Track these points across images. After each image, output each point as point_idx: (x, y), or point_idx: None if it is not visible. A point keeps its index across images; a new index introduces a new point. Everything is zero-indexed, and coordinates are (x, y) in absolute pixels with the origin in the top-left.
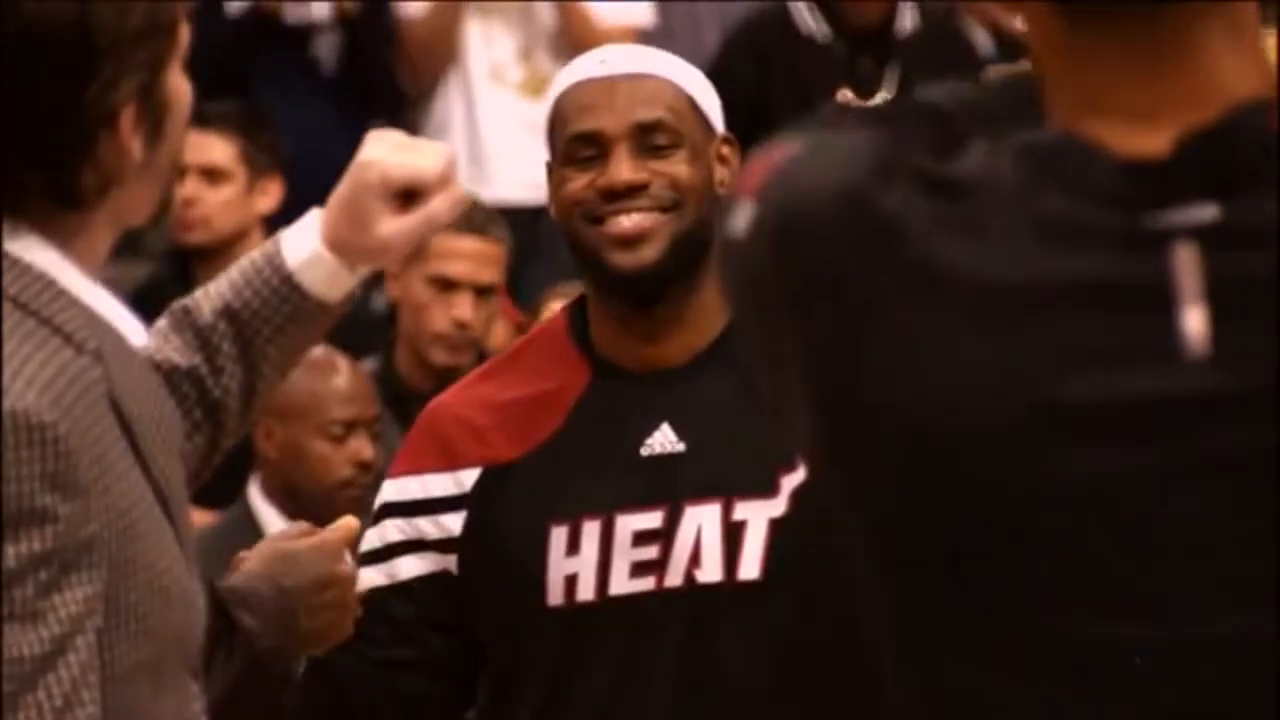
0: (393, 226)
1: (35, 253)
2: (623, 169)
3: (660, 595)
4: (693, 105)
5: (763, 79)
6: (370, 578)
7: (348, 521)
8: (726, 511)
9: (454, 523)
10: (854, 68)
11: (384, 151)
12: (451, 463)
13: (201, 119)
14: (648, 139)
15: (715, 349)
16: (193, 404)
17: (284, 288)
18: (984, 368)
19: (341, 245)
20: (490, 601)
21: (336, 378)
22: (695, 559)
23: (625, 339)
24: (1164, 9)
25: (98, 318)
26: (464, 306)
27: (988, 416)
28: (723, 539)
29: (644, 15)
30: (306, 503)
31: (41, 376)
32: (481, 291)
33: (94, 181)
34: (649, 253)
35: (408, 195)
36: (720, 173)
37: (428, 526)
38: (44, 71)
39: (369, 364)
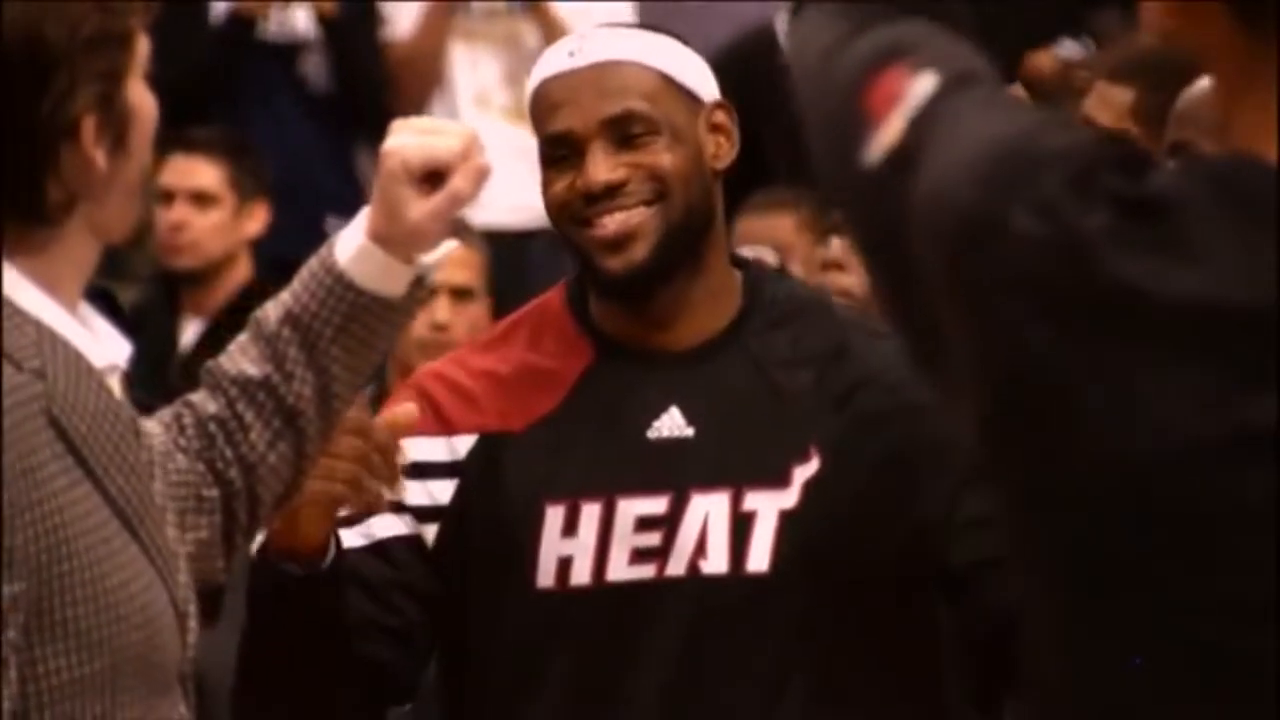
0: (421, 209)
1: None
2: (599, 170)
3: (660, 584)
4: (669, 84)
5: (751, 104)
6: (347, 539)
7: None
8: (735, 501)
9: (444, 491)
10: None
11: (405, 138)
12: (445, 428)
13: (188, 144)
14: (621, 131)
15: (729, 334)
16: (270, 413)
17: (338, 286)
18: (1185, 389)
19: (383, 236)
20: (473, 576)
21: None
22: (701, 548)
23: (630, 325)
24: None
25: (52, 335)
26: (440, 309)
27: (1188, 437)
28: (730, 529)
29: None
30: None
31: None
32: (457, 294)
33: (60, 195)
34: (638, 251)
35: (436, 178)
36: (713, 144)
37: (415, 492)
38: None
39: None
